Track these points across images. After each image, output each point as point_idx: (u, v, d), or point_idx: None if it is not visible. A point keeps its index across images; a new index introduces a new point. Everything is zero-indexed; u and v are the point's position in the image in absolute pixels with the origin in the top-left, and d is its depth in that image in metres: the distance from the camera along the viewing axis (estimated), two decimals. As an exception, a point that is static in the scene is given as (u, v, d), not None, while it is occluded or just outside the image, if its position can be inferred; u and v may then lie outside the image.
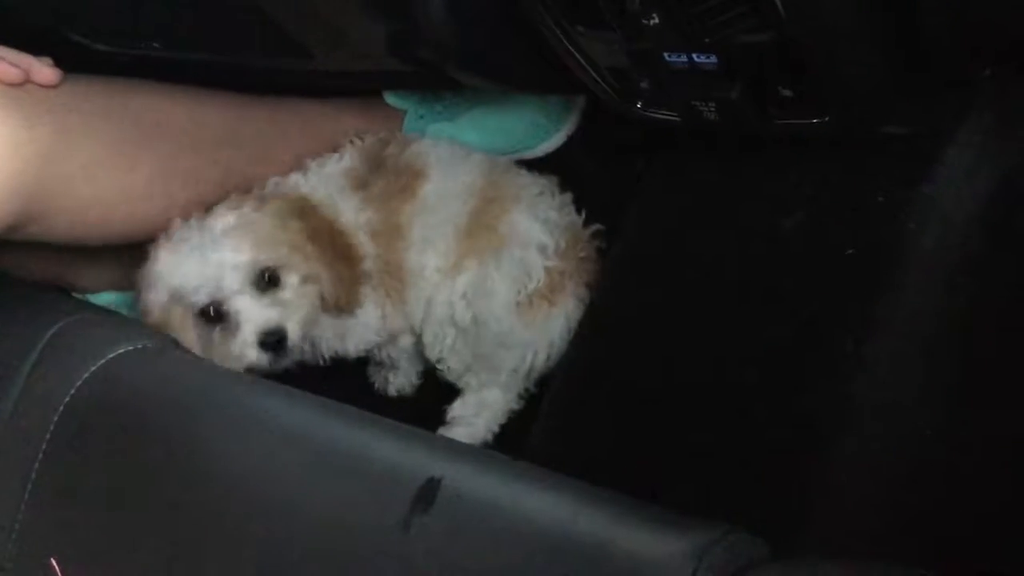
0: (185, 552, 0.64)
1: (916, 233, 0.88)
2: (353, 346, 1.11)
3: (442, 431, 1.14)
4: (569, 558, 0.51)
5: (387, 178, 1.09)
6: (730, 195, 1.00)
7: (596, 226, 1.13)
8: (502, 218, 1.09)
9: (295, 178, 1.10)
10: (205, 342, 1.00)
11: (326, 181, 1.09)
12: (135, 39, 1.14)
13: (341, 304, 1.03)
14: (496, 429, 1.14)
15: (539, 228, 1.09)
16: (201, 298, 0.99)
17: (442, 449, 0.60)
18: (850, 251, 0.89)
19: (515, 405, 1.14)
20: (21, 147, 0.92)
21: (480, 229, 1.09)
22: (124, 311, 1.23)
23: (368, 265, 1.07)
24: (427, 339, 1.12)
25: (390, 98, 1.24)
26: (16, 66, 0.95)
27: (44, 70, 0.97)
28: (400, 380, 1.21)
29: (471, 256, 1.08)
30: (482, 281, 1.07)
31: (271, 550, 0.59)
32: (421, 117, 1.22)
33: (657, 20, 0.78)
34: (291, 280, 1.01)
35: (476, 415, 1.13)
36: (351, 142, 1.14)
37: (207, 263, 0.99)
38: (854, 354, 0.84)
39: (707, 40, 0.78)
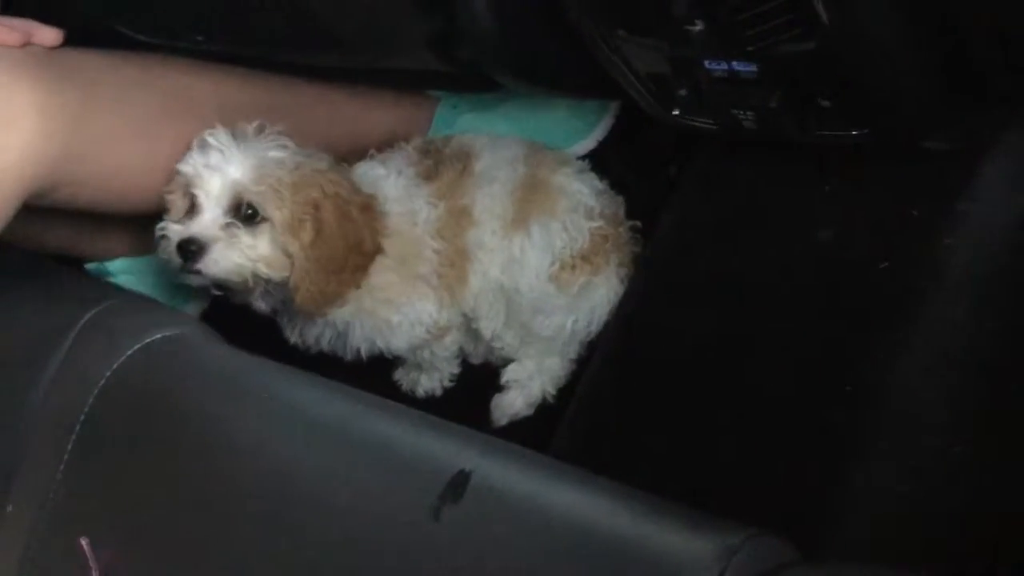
0: (215, 536, 0.64)
1: (951, 248, 0.88)
2: (397, 343, 1.10)
3: (497, 397, 1.15)
4: (597, 554, 0.51)
5: (448, 168, 1.09)
6: (765, 205, 1.00)
7: (634, 221, 1.13)
8: (551, 179, 1.10)
9: (372, 168, 1.09)
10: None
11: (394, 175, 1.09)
12: (178, 33, 1.16)
13: (302, 303, 1.00)
14: (553, 391, 1.14)
15: (587, 190, 1.11)
16: (188, 187, 1.00)
17: (473, 442, 0.60)
18: (884, 264, 0.88)
19: (573, 368, 1.14)
20: (47, 111, 0.94)
21: (531, 191, 1.09)
22: (137, 275, 1.26)
23: (425, 269, 1.07)
24: (482, 312, 1.11)
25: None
26: (15, 29, 0.97)
27: (47, 32, 0.99)
28: (431, 383, 1.20)
29: (522, 218, 1.08)
30: (517, 250, 1.08)
31: (301, 535, 0.60)
32: (454, 107, 1.23)
33: (700, 27, 0.78)
34: (266, 233, 0.99)
35: (531, 378, 1.14)
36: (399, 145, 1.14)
37: (208, 160, 0.99)
38: (886, 366, 0.83)
39: (749, 48, 0.78)
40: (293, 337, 1.11)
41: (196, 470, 0.67)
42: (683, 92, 0.90)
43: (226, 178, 0.99)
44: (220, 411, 0.69)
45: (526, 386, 1.14)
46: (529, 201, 1.09)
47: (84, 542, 0.68)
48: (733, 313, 0.96)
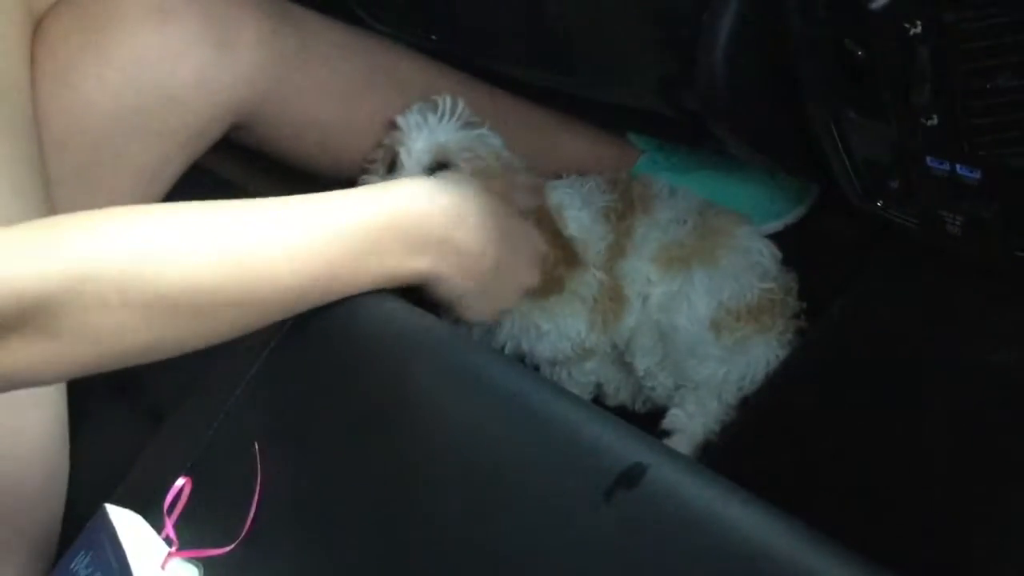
0: (382, 479, 0.67)
1: None
2: (541, 350, 1.12)
3: None
4: (766, 572, 0.52)
5: (628, 205, 1.12)
6: (944, 316, 0.99)
7: (802, 303, 1.14)
8: (728, 230, 1.12)
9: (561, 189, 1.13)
10: None
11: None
12: (417, 28, 1.22)
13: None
14: (716, 429, 1.12)
15: (767, 251, 1.12)
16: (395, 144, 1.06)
17: (650, 442, 0.62)
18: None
19: (733, 413, 1.13)
20: (264, 47, 1.02)
21: (705, 240, 1.11)
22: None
23: (585, 292, 1.09)
24: (637, 347, 1.12)
25: (632, 136, 1.28)
26: None
27: None
28: None
29: (691, 263, 1.10)
30: (684, 288, 1.09)
31: (474, 497, 0.62)
32: (654, 163, 1.26)
33: (935, 121, 0.80)
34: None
35: (691, 419, 1.12)
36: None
37: (420, 119, 1.05)
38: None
39: (981, 153, 0.79)
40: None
41: (374, 416, 0.70)
42: (894, 184, 0.90)
43: (432, 139, 1.03)
44: (407, 364, 0.72)
45: (688, 428, 1.13)
46: (702, 249, 1.11)
47: (256, 447, 0.73)
48: (890, 409, 0.95)
